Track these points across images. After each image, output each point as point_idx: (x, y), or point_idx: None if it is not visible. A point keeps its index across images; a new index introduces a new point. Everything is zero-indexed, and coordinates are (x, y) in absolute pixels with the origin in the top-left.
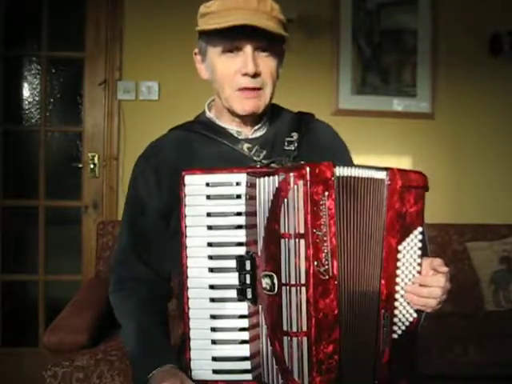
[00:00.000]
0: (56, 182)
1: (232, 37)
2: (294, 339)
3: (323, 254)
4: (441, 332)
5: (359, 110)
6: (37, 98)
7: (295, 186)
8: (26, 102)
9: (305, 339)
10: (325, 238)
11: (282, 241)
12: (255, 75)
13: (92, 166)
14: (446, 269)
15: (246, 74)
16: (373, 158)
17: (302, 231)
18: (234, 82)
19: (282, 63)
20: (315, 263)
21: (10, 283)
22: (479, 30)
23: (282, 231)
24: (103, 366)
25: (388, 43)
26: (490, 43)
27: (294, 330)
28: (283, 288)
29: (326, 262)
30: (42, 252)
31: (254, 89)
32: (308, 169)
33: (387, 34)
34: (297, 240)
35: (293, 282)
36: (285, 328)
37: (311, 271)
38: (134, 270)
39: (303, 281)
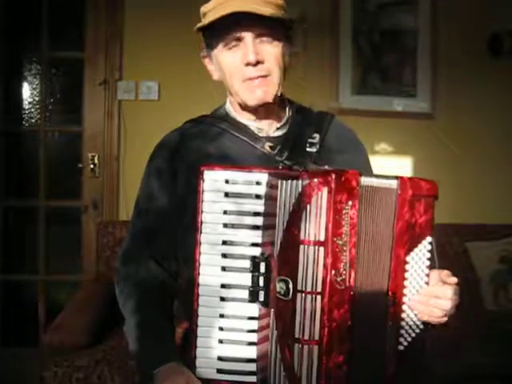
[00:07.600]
0: (56, 182)
1: (229, 28)
2: (305, 347)
3: (341, 264)
4: (440, 332)
5: (359, 109)
6: (37, 98)
7: (319, 193)
8: (26, 102)
9: (316, 348)
10: (344, 248)
11: (301, 247)
12: (258, 63)
13: (92, 166)
14: (454, 279)
15: (248, 64)
16: (373, 158)
17: (322, 239)
18: (239, 74)
19: (291, 49)
20: (333, 272)
21: (10, 283)
22: (479, 30)
23: (302, 237)
24: (103, 366)
25: (388, 43)
26: (489, 43)
27: (306, 337)
28: (298, 295)
29: (344, 272)
30: (42, 252)
31: (259, 77)
32: (334, 176)
33: (387, 33)
34: (316, 247)
35: (308, 290)
36: (297, 335)
37: (328, 280)
38: (141, 266)
39: (319, 289)
